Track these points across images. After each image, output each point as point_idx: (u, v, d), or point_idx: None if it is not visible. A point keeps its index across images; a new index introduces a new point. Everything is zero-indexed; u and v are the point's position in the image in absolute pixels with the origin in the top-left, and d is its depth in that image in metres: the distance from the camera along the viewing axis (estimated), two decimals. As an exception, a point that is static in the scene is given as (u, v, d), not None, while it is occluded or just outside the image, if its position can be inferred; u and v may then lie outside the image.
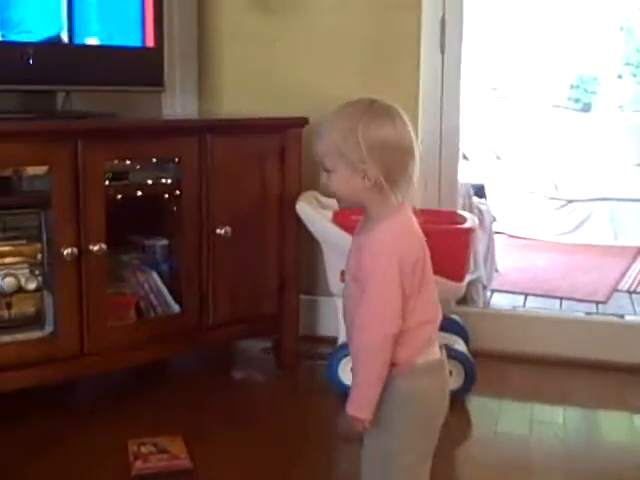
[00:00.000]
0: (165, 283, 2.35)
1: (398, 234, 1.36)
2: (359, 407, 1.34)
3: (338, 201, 1.41)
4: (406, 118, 1.36)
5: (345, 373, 2.30)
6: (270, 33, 2.82)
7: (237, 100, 2.86)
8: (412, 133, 1.35)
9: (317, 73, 2.76)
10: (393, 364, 1.34)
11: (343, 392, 2.17)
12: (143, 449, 1.93)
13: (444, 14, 2.65)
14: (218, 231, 2.32)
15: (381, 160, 1.32)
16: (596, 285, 3.84)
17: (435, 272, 2.32)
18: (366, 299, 1.32)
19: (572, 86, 6.47)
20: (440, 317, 1.42)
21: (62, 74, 2.28)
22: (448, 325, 2.64)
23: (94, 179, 2.08)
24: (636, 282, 3.96)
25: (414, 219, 1.41)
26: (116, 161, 2.22)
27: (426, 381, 1.38)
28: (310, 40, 2.79)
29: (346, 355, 2.33)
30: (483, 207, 3.59)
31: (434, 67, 2.70)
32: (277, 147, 2.44)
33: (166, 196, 2.37)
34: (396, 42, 2.72)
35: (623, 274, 4.13)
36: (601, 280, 3.95)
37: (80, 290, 2.07)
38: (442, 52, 2.68)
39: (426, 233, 2.38)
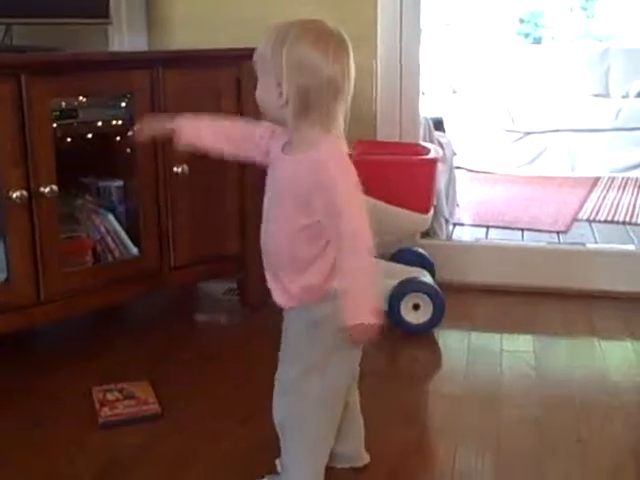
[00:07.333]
0: (122, 225, 2.26)
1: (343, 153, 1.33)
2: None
3: (263, 114, 1.37)
4: (351, 56, 1.31)
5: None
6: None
7: (189, 33, 2.73)
8: (347, 71, 1.30)
9: (274, 1, 2.64)
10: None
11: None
12: (109, 396, 1.87)
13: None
14: (175, 169, 2.24)
15: (299, 81, 1.27)
16: (556, 216, 3.85)
17: (401, 204, 2.31)
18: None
19: (522, 20, 6.42)
20: None
21: (2, 6, 2.14)
22: (414, 258, 2.63)
23: (41, 117, 1.97)
24: (595, 211, 3.98)
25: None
26: (65, 99, 2.10)
27: None
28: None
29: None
30: (444, 140, 3.54)
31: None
32: (233, 80, 2.33)
33: (119, 134, 2.26)
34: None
35: (582, 204, 4.15)
36: (561, 210, 3.96)
37: (33, 235, 1.98)
38: (401, -24, 2.59)
39: (390, 165, 2.37)
